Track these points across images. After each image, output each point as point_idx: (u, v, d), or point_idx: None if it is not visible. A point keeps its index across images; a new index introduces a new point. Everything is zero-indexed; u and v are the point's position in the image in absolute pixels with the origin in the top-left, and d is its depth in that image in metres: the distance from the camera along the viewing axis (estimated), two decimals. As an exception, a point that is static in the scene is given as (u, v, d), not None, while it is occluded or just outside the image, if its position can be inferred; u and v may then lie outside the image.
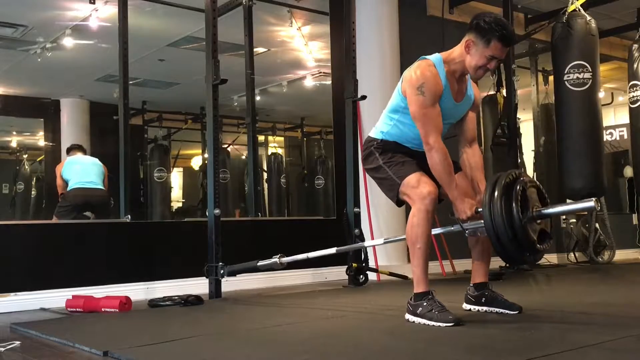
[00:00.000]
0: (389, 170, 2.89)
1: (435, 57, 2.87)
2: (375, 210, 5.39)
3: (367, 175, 5.29)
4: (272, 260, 3.93)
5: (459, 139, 3.04)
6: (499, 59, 2.81)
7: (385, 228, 5.46)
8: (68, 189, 6.18)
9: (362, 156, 3.08)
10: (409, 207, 2.84)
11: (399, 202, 2.91)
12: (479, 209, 2.69)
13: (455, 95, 2.89)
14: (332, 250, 3.72)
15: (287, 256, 3.90)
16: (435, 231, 3.00)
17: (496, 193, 2.58)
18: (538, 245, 2.61)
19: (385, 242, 3.51)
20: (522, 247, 2.58)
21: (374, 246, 5.28)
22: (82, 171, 6.18)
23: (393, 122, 2.97)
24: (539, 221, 2.64)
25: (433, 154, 2.77)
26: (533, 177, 7.15)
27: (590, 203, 2.57)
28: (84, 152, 6.71)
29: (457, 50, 2.87)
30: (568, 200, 5.72)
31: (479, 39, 2.78)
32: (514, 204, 2.55)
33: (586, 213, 6.94)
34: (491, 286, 3.00)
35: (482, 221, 2.66)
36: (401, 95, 2.92)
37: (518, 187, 2.59)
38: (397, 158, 2.91)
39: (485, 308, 2.95)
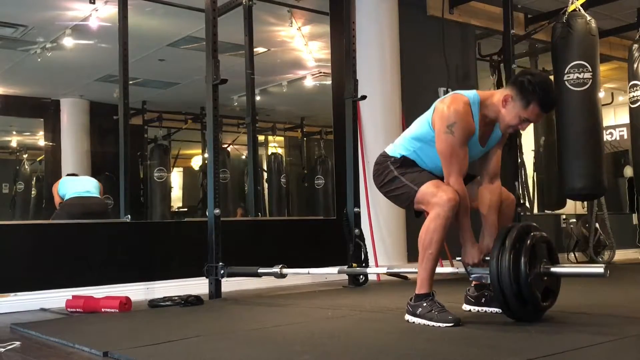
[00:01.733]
0: (405, 180, 2.83)
1: (472, 96, 2.77)
2: (375, 210, 5.39)
3: (367, 175, 5.32)
4: (273, 270, 3.93)
5: (480, 171, 2.95)
6: (533, 122, 2.76)
7: (385, 228, 5.46)
8: (65, 199, 6.04)
9: (375, 172, 2.99)
10: (410, 210, 2.83)
11: (417, 213, 2.87)
12: (487, 258, 2.69)
13: (482, 139, 2.80)
14: (334, 270, 3.73)
15: (288, 267, 3.89)
16: (441, 270, 2.96)
17: (506, 245, 2.58)
18: (542, 303, 2.63)
19: (388, 272, 3.49)
20: (526, 302, 2.59)
21: (374, 251, 5.29)
22: (77, 184, 6.13)
23: (413, 149, 2.90)
24: (545, 278, 2.64)
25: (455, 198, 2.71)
26: (533, 176, 7.15)
27: (600, 269, 2.57)
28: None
29: (495, 98, 2.77)
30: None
31: (518, 97, 2.69)
32: (522, 260, 2.55)
33: (586, 213, 6.97)
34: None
35: (488, 269, 2.66)
36: (430, 126, 2.82)
37: (528, 242, 2.59)
38: (414, 169, 2.86)
39: (485, 308, 2.95)
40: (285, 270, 3.88)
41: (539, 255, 2.63)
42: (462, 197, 2.71)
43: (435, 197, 2.70)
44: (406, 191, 2.82)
